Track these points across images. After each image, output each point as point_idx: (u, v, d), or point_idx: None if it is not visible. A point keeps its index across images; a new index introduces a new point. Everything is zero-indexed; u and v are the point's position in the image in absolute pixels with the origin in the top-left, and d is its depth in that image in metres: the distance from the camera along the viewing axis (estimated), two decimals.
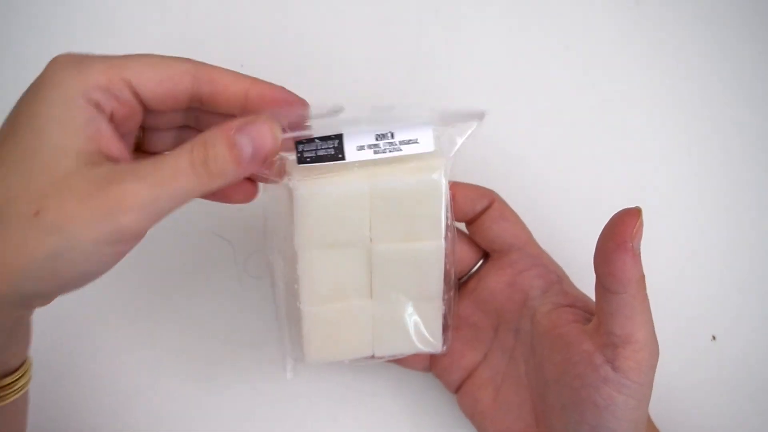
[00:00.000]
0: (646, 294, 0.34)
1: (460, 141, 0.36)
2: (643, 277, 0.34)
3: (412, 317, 0.40)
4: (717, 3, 0.49)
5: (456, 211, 0.39)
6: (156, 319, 0.46)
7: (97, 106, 0.31)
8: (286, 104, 0.34)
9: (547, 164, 0.48)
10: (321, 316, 0.39)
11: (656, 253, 0.47)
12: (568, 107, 0.49)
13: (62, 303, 0.46)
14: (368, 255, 0.38)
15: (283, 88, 0.34)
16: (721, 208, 0.47)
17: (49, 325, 0.46)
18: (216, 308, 0.47)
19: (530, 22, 0.50)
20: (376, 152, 0.35)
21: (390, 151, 0.35)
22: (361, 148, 0.35)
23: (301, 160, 0.35)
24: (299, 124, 0.33)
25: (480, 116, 0.35)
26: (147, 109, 0.33)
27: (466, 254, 0.41)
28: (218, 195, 0.36)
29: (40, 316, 0.37)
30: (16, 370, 0.35)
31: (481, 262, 0.41)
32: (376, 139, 0.35)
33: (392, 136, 0.35)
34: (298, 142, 0.35)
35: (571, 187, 0.48)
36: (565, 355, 0.36)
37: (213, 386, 0.46)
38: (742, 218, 0.47)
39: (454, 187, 0.39)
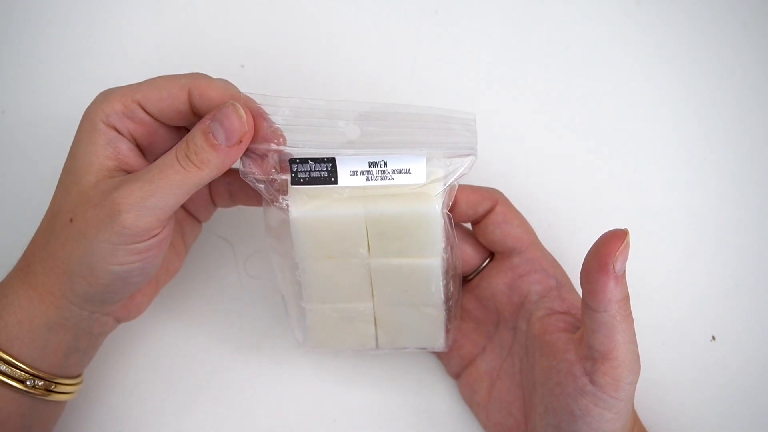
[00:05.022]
0: (628, 313, 0.34)
1: (458, 173, 0.36)
2: (626, 297, 0.34)
3: (414, 319, 0.40)
4: (717, 3, 0.49)
5: (458, 214, 0.40)
6: (155, 319, 0.46)
7: (116, 129, 0.36)
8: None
9: (548, 164, 0.48)
10: (324, 313, 0.40)
11: (656, 253, 0.47)
12: (568, 107, 0.49)
13: None
14: (367, 266, 0.38)
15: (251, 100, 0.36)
16: (721, 207, 0.47)
17: None
18: (216, 308, 0.47)
19: (530, 22, 0.50)
20: (368, 179, 0.35)
21: (382, 179, 0.35)
22: (353, 173, 0.35)
23: (295, 181, 0.36)
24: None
25: (474, 150, 0.36)
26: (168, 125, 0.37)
27: (472, 254, 0.42)
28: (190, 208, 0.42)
29: None
30: (73, 378, 0.39)
31: (487, 261, 0.42)
32: (369, 166, 0.35)
33: (385, 164, 0.35)
34: (292, 162, 0.36)
35: (572, 186, 0.48)
36: (551, 361, 0.37)
37: (213, 387, 0.46)
38: (742, 218, 0.47)
39: (457, 190, 0.39)
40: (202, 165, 0.34)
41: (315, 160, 0.35)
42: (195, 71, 0.37)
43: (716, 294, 0.46)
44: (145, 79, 0.37)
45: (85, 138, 0.36)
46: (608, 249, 0.33)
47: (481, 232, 0.41)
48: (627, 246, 0.34)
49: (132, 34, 0.50)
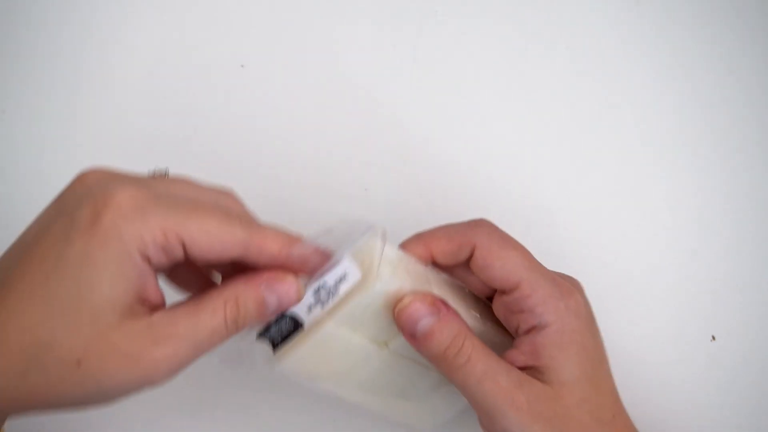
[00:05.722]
0: (463, 361, 0.35)
1: (380, 248, 0.36)
2: (443, 353, 0.35)
3: (403, 405, 0.41)
4: (717, 3, 0.49)
5: (441, 267, 0.38)
6: None
7: (149, 261, 0.32)
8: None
9: (547, 163, 0.48)
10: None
11: (657, 253, 0.47)
12: (568, 107, 0.49)
13: None
14: (377, 359, 0.38)
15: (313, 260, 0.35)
16: (721, 207, 0.47)
17: None
18: None
19: (530, 21, 0.50)
20: (323, 306, 0.36)
21: (332, 297, 0.35)
22: (309, 310, 0.36)
23: (276, 349, 0.37)
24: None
25: (371, 228, 0.36)
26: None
27: (481, 288, 0.39)
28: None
29: None
30: None
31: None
32: (314, 294, 0.35)
33: (325, 284, 0.35)
34: (260, 334, 0.36)
35: (572, 186, 0.48)
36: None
37: (211, 387, 0.46)
38: (742, 218, 0.47)
39: (429, 243, 0.38)
40: (243, 328, 0.33)
41: (275, 322, 0.36)
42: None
43: (716, 294, 0.46)
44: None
45: (113, 268, 0.31)
46: (405, 320, 0.35)
47: (471, 277, 0.39)
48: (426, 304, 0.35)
49: (132, 34, 0.50)
